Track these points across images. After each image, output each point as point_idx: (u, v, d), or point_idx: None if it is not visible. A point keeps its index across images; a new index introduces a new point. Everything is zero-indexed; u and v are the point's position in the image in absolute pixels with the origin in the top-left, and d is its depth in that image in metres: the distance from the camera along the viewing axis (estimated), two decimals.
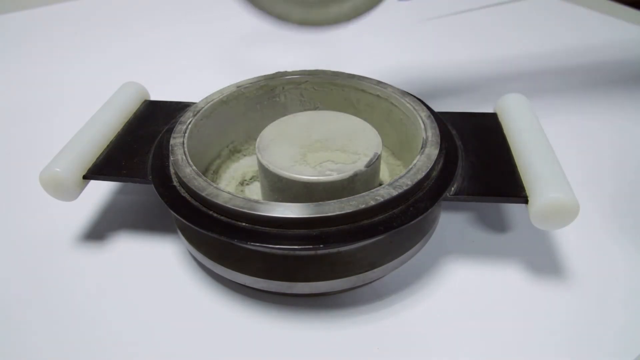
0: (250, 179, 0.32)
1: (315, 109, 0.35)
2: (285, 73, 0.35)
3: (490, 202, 0.31)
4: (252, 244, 0.23)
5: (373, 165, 0.27)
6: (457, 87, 0.49)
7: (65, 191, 0.28)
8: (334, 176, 0.26)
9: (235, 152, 0.35)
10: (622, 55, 0.53)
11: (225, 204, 0.24)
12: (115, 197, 0.35)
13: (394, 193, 0.24)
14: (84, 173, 0.28)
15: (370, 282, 0.28)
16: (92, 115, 0.32)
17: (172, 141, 0.28)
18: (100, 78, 0.52)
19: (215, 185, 0.25)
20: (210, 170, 0.33)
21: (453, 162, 0.28)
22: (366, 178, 0.27)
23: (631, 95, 0.46)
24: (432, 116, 0.30)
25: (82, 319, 0.27)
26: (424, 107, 0.31)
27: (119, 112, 0.33)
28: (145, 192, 0.35)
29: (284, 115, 0.32)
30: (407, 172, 0.25)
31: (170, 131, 0.30)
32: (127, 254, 0.30)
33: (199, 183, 0.25)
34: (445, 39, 0.59)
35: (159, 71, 0.53)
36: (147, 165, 0.29)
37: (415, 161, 0.26)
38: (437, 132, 0.28)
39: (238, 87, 0.33)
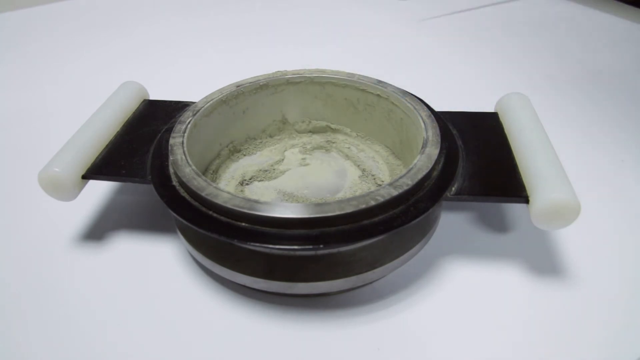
0: (250, 179, 0.32)
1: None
2: (285, 73, 0.34)
3: (491, 202, 0.31)
4: (252, 244, 0.23)
5: None
6: (458, 86, 0.49)
7: (64, 191, 0.27)
8: None
9: (235, 151, 0.35)
10: (623, 54, 0.53)
11: (224, 204, 0.23)
12: (114, 197, 0.35)
13: (395, 193, 0.24)
14: (83, 173, 0.28)
15: (370, 282, 0.28)
16: (91, 114, 0.32)
17: (171, 141, 0.28)
18: (100, 77, 0.52)
19: (214, 185, 0.25)
20: (210, 170, 0.33)
21: (454, 161, 0.28)
22: None
23: (632, 94, 0.46)
24: (432, 115, 0.30)
25: (81, 319, 0.26)
26: (425, 107, 0.31)
27: (118, 112, 0.33)
28: (144, 192, 0.35)
29: None
30: (407, 172, 0.25)
31: (169, 131, 0.30)
32: (127, 254, 0.30)
33: (198, 183, 0.25)
34: (445, 38, 0.59)
35: (158, 70, 0.53)
36: (146, 165, 0.28)
37: (415, 161, 0.26)
38: (438, 131, 0.28)
39: (238, 86, 0.33)
